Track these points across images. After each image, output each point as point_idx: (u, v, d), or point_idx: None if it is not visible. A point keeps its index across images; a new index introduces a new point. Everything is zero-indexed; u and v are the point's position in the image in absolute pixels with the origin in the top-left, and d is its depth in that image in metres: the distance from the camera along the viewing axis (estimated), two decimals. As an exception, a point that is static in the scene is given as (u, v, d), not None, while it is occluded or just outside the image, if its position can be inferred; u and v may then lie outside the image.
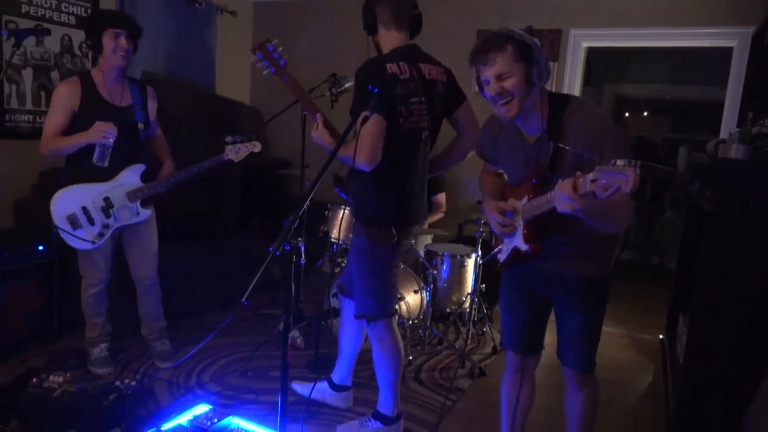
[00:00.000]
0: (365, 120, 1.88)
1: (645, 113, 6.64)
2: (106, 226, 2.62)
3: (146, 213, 2.73)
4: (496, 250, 1.92)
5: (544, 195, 1.53)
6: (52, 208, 2.58)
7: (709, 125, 5.84)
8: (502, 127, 1.77)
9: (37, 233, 3.08)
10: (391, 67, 2.02)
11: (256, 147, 2.69)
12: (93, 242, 2.59)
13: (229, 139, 2.67)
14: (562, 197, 1.33)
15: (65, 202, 2.58)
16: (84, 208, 2.59)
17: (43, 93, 3.62)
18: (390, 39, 2.11)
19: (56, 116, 2.54)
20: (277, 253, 1.47)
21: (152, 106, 2.77)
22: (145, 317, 2.93)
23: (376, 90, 1.78)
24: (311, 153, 3.39)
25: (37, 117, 3.61)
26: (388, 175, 2.07)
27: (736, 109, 3.76)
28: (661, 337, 3.31)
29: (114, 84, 2.62)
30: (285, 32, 5.05)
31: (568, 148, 1.54)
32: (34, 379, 2.48)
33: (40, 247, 2.99)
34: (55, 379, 2.49)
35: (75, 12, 3.72)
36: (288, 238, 1.53)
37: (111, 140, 2.47)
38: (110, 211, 2.63)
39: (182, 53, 4.49)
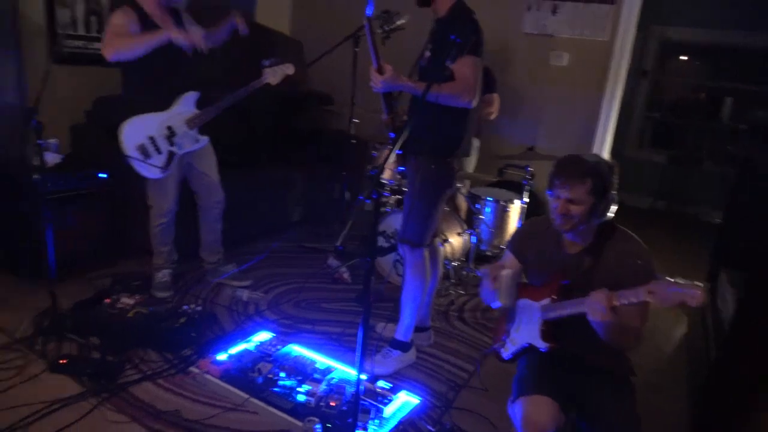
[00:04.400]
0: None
1: (689, 59, 6.41)
2: (171, 154, 2.70)
3: (205, 139, 2.83)
4: (495, 345, 1.91)
5: (574, 299, 1.60)
6: (121, 138, 2.64)
7: (758, 74, 5.66)
8: (546, 229, 1.78)
9: (95, 158, 3.19)
10: (476, 18, 2.23)
11: (289, 69, 2.80)
12: (163, 169, 2.68)
13: (265, 62, 2.77)
14: (596, 306, 1.46)
15: (133, 133, 2.65)
16: (151, 138, 2.67)
17: (93, 18, 3.59)
18: None
19: (113, 37, 2.51)
20: (367, 200, 1.54)
21: (196, 31, 2.69)
22: (209, 243, 3.08)
23: (458, 40, 2.00)
24: (358, 93, 3.40)
25: (88, 43, 3.60)
26: (459, 110, 2.25)
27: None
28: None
29: (160, 12, 2.64)
30: None
31: (610, 272, 1.63)
32: (107, 300, 2.66)
33: (103, 175, 3.08)
34: (126, 300, 2.67)
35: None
36: (374, 187, 1.63)
37: (201, 44, 2.57)
38: (173, 139, 2.71)
39: None
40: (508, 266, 1.85)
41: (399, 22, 2.61)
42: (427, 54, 2.31)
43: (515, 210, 3.67)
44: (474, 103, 2.22)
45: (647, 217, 5.99)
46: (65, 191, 2.95)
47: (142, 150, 2.67)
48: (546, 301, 1.71)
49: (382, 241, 3.31)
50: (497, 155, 4.09)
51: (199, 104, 2.77)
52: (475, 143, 3.90)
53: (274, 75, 2.78)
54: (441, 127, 2.29)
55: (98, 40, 3.63)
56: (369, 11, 2.22)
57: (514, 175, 3.97)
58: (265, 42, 4.59)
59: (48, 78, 2.32)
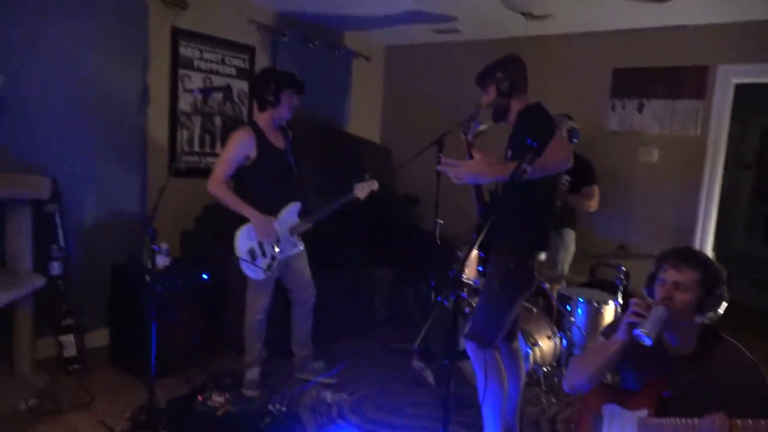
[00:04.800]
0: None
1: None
2: (273, 258, 2.94)
3: (302, 245, 3.07)
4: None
5: (679, 419, 1.47)
6: (236, 242, 2.92)
7: None
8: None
9: (200, 260, 3.47)
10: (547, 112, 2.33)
11: (374, 185, 3.05)
12: (266, 271, 2.91)
13: (356, 184, 3.04)
14: None
15: (245, 237, 2.92)
16: (260, 243, 2.92)
17: (207, 137, 4.08)
18: (519, 105, 2.35)
19: (231, 160, 2.87)
20: (445, 302, 1.55)
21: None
22: (300, 337, 3.21)
23: (534, 144, 1.90)
24: (442, 194, 3.51)
25: (201, 158, 4.06)
26: (538, 205, 2.26)
27: None
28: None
29: (275, 130, 2.99)
30: (413, 74, 5.32)
31: (717, 389, 1.50)
32: (200, 397, 2.77)
33: (205, 276, 3.32)
34: (217, 398, 2.76)
35: (236, 64, 4.18)
36: (451, 289, 1.63)
37: (268, 242, 2.86)
38: (278, 244, 2.95)
39: (322, 95, 4.84)
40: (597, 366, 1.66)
41: (481, 128, 2.75)
42: (509, 154, 2.35)
43: (609, 312, 3.46)
44: (570, 162, 2.15)
45: (757, 316, 5.38)
46: (171, 292, 3.18)
47: (251, 253, 2.91)
48: (642, 414, 1.55)
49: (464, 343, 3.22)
50: (587, 254, 3.96)
51: (301, 214, 3.04)
52: (570, 235, 3.83)
53: (361, 191, 3.01)
54: (520, 223, 2.27)
55: (211, 155, 4.10)
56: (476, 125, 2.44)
57: (607, 275, 3.79)
58: (358, 151, 4.94)
59: (164, 190, 2.61)
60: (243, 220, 2.91)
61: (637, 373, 1.66)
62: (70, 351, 3.17)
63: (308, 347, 3.26)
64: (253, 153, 2.87)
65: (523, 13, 3.82)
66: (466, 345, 2.38)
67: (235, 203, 2.87)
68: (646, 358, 1.63)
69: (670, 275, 1.56)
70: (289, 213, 3.00)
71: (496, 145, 2.55)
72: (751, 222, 6.04)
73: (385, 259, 4.42)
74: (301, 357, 3.24)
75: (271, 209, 2.92)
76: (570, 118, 3.64)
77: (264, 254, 2.93)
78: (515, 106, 2.35)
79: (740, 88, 3.90)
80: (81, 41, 3.30)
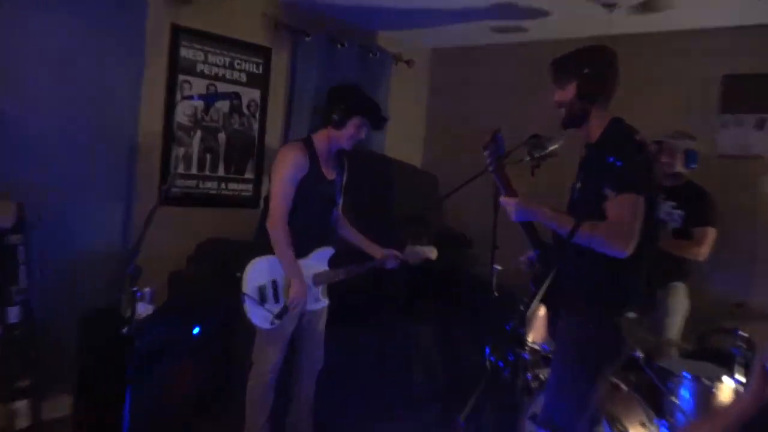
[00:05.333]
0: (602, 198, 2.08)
1: None
2: (286, 308, 2.80)
3: (325, 301, 3.03)
4: None
5: None
6: (247, 274, 2.89)
7: None
8: None
9: (190, 309, 3.41)
10: (640, 139, 2.21)
11: (432, 254, 3.10)
12: (272, 321, 2.78)
13: (410, 243, 3.09)
14: None
15: (259, 271, 2.89)
16: (274, 282, 2.88)
17: (208, 156, 4.10)
18: (600, 117, 2.31)
19: (288, 188, 2.83)
20: (500, 363, 1.48)
21: (342, 180, 3.06)
22: (300, 413, 3.11)
23: (618, 163, 2.02)
24: (501, 234, 3.41)
25: (200, 182, 4.07)
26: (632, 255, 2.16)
27: None
28: None
29: (330, 156, 2.98)
30: (465, 82, 5.31)
31: None
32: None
33: (197, 329, 3.26)
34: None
35: (247, 69, 4.22)
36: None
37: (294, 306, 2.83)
38: None
39: None
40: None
41: (551, 148, 2.65)
42: (578, 185, 2.33)
43: (725, 392, 3.22)
44: (627, 253, 2.13)
45: None
46: (153, 348, 3.12)
47: (261, 292, 2.87)
48: None
49: (530, 427, 3.05)
50: (695, 315, 3.75)
51: (332, 262, 3.02)
52: (680, 290, 3.66)
53: (414, 255, 3.07)
54: (602, 268, 2.20)
55: (211, 179, 4.10)
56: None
57: (720, 342, 3.57)
58: (396, 177, 4.87)
59: (151, 220, 2.54)
60: (252, 256, 2.91)
61: None
62: (23, 422, 3.12)
63: (308, 425, 3.15)
64: (304, 171, 2.86)
65: (606, 5, 3.76)
66: None
67: (286, 255, 2.83)
68: None
69: None
70: (319, 258, 2.98)
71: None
72: None
73: (426, 314, 4.33)
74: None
75: (298, 249, 2.88)
76: (692, 137, 3.55)
77: (276, 298, 2.88)
78: (596, 115, 2.30)
79: None
80: (63, 39, 3.37)
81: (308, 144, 2.91)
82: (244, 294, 2.84)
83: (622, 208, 2.10)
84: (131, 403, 2.46)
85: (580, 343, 2.23)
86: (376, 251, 3.10)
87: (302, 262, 2.90)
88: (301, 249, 2.90)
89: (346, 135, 2.89)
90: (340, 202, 3.11)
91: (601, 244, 2.12)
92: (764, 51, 3.93)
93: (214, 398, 3.37)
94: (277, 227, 2.81)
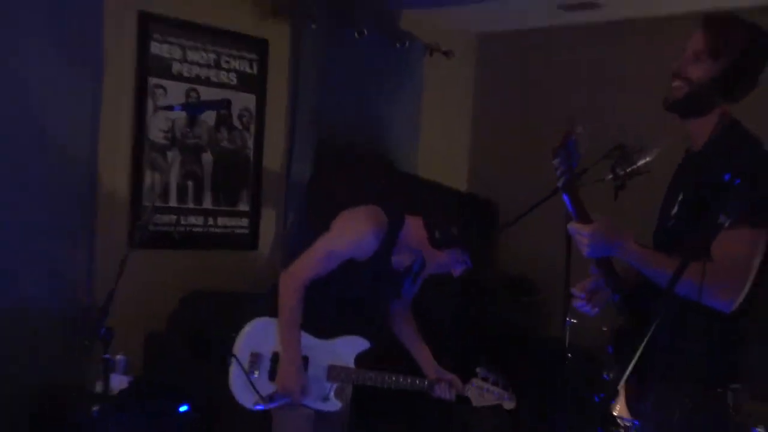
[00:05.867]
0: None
1: None
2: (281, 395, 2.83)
3: (335, 405, 2.94)
4: None
5: None
6: (242, 333, 2.89)
7: None
8: None
9: (174, 381, 3.45)
10: None
11: (509, 404, 2.93)
12: (256, 402, 2.77)
13: (481, 371, 2.92)
14: None
15: (261, 335, 2.89)
16: (275, 354, 2.86)
17: (190, 184, 4.03)
18: (718, 116, 2.21)
19: (333, 263, 2.80)
20: None
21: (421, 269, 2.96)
22: None
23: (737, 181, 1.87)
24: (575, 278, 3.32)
25: (181, 217, 4.01)
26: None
27: None
28: None
29: (413, 251, 2.89)
30: (525, 76, 5.24)
31: None
32: None
33: (184, 408, 3.25)
34: None
35: (238, 68, 4.17)
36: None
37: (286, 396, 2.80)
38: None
39: (372, 113, 4.79)
40: None
41: (641, 162, 2.52)
42: (674, 211, 2.21)
43: None
44: (733, 307, 2.05)
45: None
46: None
47: (253, 360, 2.85)
48: None
49: None
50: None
51: (360, 359, 2.94)
52: None
53: (479, 394, 2.90)
54: (704, 334, 2.15)
55: (196, 212, 4.04)
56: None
57: None
58: (433, 202, 4.74)
59: (123, 269, 2.48)
60: (256, 313, 2.93)
61: None
62: None
63: None
64: (365, 257, 2.81)
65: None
66: None
67: (291, 328, 2.82)
68: None
69: None
70: (346, 346, 2.93)
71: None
72: None
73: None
74: None
75: (321, 326, 2.88)
76: None
77: (271, 377, 2.87)
78: (717, 111, 2.18)
79: None
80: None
81: (396, 219, 2.85)
82: (233, 356, 2.83)
83: (737, 246, 2.00)
84: None
85: (679, 422, 2.14)
86: (430, 369, 3.00)
87: (322, 343, 2.90)
88: (326, 328, 2.90)
89: (441, 260, 2.83)
90: (411, 295, 3.09)
91: (710, 295, 1.99)
92: None
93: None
94: (291, 290, 2.80)
